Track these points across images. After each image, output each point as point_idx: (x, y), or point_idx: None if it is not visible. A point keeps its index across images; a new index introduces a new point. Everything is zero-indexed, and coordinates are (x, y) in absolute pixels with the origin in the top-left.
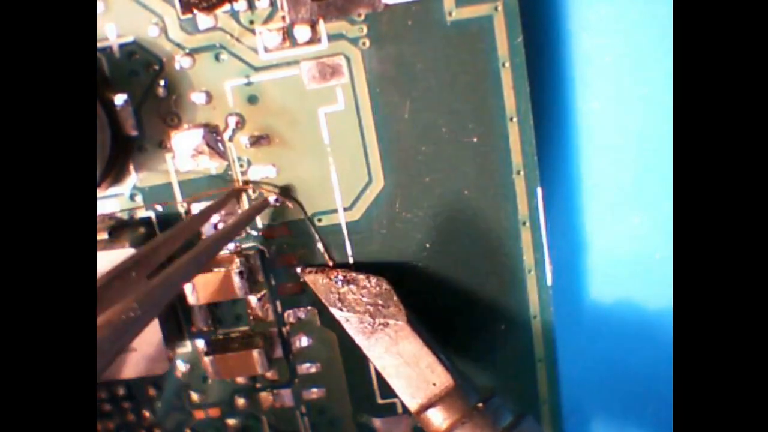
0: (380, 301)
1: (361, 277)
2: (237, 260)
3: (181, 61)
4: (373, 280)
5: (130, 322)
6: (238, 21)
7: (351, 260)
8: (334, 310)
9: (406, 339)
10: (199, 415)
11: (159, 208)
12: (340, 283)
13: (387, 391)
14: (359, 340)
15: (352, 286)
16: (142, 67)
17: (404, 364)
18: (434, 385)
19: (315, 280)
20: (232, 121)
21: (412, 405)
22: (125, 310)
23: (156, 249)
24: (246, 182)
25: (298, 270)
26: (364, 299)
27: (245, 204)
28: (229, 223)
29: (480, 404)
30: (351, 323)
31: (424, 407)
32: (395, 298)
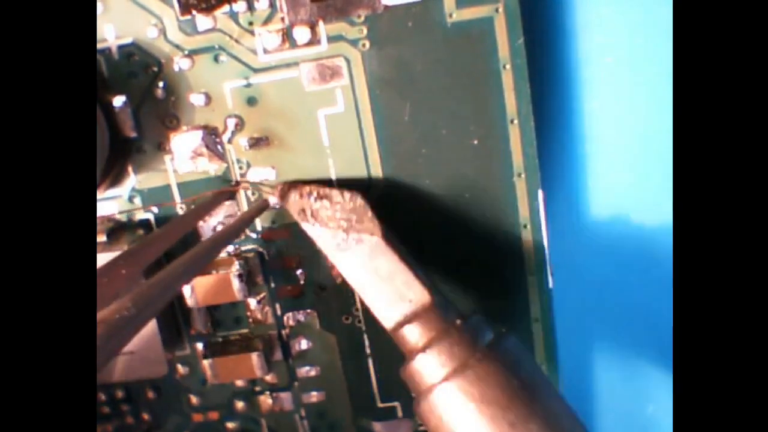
0: (354, 217)
1: (335, 192)
2: (236, 263)
3: (180, 63)
4: (347, 195)
5: (124, 322)
6: (237, 22)
7: None
8: (306, 226)
9: (382, 255)
10: (198, 418)
11: (155, 210)
12: (313, 198)
13: (387, 394)
14: (333, 256)
15: (325, 202)
16: (140, 68)
17: (380, 280)
18: (410, 301)
19: (287, 197)
20: (231, 122)
21: (388, 323)
22: (119, 309)
23: (147, 246)
24: (237, 182)
25: (276, 186)
26: (338, 215)
27: (244, 205)
28: (228, 224)
29: (458, 321)
30: (324, 239)
31: (400, 324)
32: (370, 213)
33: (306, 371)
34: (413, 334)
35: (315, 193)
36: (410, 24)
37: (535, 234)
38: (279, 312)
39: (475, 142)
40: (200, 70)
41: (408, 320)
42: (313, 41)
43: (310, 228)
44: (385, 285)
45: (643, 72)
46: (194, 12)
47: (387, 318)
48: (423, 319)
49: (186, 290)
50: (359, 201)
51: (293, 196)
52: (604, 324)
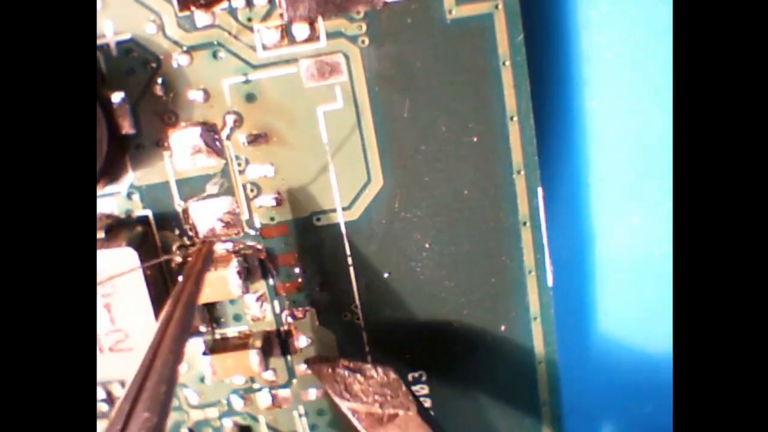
0: (389, 391)
1: (367, 366)
2: (235, 260)
3: (178, 59)
4: (380, 369)
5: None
6: (236, 18)
7: (350, 260)
8: (340, 402)
9: (416, 430)
10: (197, 415)
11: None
12: (346, 372)
13: None
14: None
15: (358, 376)
16: (139, 64)
17: None
18: None
19: (320, 370)
20: (230, 119)
21: None
22: (143, 425)
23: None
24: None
25: (305, 361)
26: (371, 389)
27: (243, 205)
28: (185, 283)
29: None
30: (359, 414)
31: None
32: (404, 388)
33: (305, 368)
34: None
35: (348, 368)
36: (410, 20)
37: (535, 232)
38: (278, 309)
39: (475, 139)
40: (199, 66)
41: None
42: (312, 37)
43: (345, 403)
44: None
45: (643, 69)
46: (193, 8)
47: None
48: None
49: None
50: (392, 375)
51: (326, 369)
52: (603, 322)
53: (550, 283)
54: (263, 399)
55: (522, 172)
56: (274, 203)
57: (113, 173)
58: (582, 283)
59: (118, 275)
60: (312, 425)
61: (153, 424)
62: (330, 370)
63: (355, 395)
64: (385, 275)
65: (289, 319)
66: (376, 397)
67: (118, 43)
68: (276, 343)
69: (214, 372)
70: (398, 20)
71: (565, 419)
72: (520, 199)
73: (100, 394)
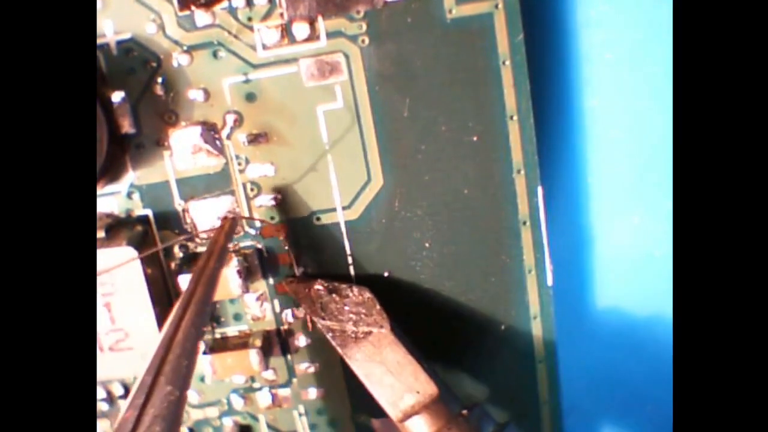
0: (363, 310)
1: (343, 286)
2: (235, 259)
3: (178, 59)
4: (356, 289)
5: (174, 405)
6: (236, 18)
7: (350, 259)
8: (316, 320)
9: (389, 347)
10: (197, 414)
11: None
12: (322, 292)
13: None
14: (342, 349)
15: (334, 296)
16: (139, 64)
17: (387, 372)
18: (418, 392)
19: (297, 290)
20: (230, 118)
21: (395, 413)
22: (166, 398)
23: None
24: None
25: (282, 281)
26: (347, 308)
27: (243, 204)
28: (208, 259)
29: (464, 411)
30: (334, 332)
31: (408, 415)
32: (378, 306)
33: (305, 368)
34: (421, 425)
35: (324, 287)
36: (410, 20)
37: (535, 231)
38: (278, 308)
39: (475, 138)
40: (199, 65)
41: (415, 411)
42: (312, 37)
43: (320, 321)
44: (392, 376)
45: (643, 68)
46: (193, 8)
47: (394, 408)
48: (430, 410)
49: (184, 288)
50: (367, 294)
51: (303, 289)
52: (603, 321)
53: (550, 282)
54: (263, 398)
55: (522, 172)
56: (274, 202)
57: (113, 173)
58: (582, 283)
59: (114, 267)
60: (312, 425)
61: (175, 397)
62: (307, 290)
63: (331, 314)
64: (385, 274)
65: (289, 319)
66: (351, 315)
67: (118, 43)
68: (276, 343)
69: (214, 371)
70: (398, 20)
71: (565, 419)
72: (520, 198)
73: (100, 393)
